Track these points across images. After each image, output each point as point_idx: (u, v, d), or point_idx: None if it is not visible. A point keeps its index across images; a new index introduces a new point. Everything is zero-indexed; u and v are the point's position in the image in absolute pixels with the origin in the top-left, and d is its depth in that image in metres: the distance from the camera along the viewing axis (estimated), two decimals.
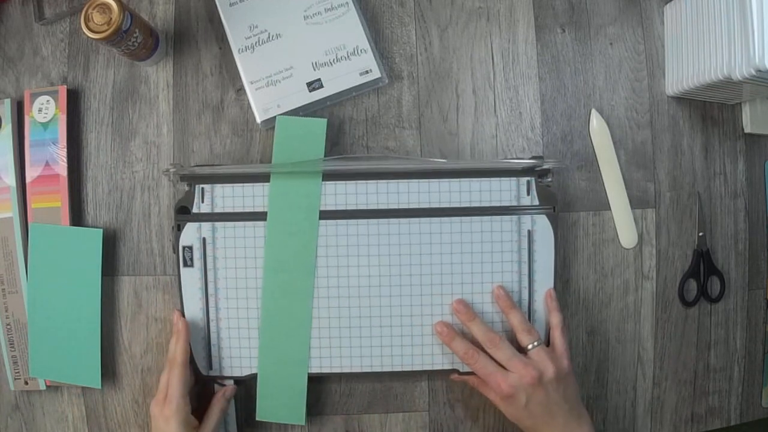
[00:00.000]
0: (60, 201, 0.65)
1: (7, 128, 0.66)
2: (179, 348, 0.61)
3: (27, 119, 0.66)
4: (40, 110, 0.66)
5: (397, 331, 0.65)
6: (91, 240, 0.65)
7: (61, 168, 0.66)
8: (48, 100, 0.66)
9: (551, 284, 0.65)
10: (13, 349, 0.67)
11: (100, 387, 0.66)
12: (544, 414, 0.58)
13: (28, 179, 0.66)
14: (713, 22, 0.60)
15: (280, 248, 0.64)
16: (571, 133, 0.69)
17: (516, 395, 0.58)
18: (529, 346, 0.60)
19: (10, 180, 0.66)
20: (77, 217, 0.67)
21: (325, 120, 0.65)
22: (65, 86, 0.66)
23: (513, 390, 0.57)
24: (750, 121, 0.70)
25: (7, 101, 0.67)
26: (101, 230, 0.65)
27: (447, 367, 0.65)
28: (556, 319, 0.63)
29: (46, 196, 0.65)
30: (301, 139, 0.64)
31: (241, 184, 0.64)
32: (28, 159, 0.66)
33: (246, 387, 0.67)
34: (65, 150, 0.66)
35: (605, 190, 0.69)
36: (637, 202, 0.69)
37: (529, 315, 0.65)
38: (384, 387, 0.68)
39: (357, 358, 0.65)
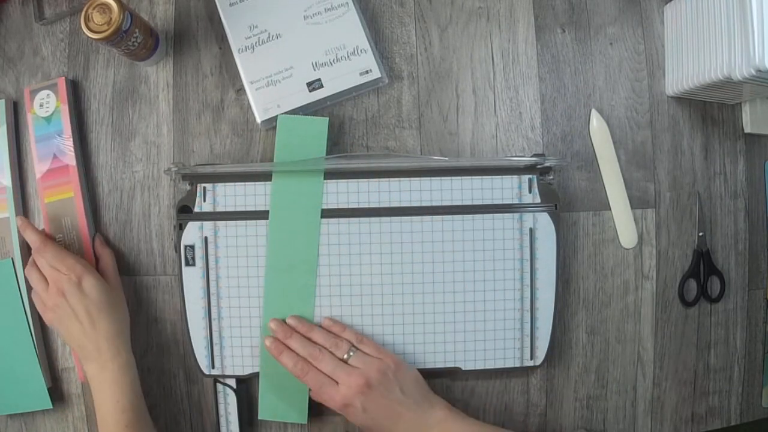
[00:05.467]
0: (72, 191, 0.65)
1: (2, 129, 0.66)
2: (29, 234, 0.61)
3: (29, 116, 0.66)
4: (41, 105, 0.66)
5: (399, 329, 0.65)
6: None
7: (69, 158, 0.66)
8: (48, 94, 0.66)
9: (553, 282, 0.65)
10: None
11: (51, 407, 0.66)
12: (388, 414, 0.58)
13: (37, 174, 0.66)
14: (713, 22, 0.60)
15: (282, 247, 0.64)
16: (571, 133, 0.69)
17: (351, 404, 0.58)
18: (345, 356, 0.60)
19: (6, 180, 0.66)
20: (92, 204, 0.67)
21: (327, 119, 0.65)
22: (63, 77, 0.66)
23: (345, 400, 0.58)
24: (750, 121, 0.70)
25: (2, 102, 0.67)
26: (10, 260, 0.65)
27: (449, 365, 0.66)
28: (348, 334, 0.63)
29: (57, 188, 0.65)
30: (303, 138, 0.64)
31: (243, 183, 0.64)
32: (35, 155, 0.66)
33: (248, 386, 0.67)
34: (71, 140, 0.66)
35: (605, 190, 0.69)
36: (637, 202, 0.70)
37: (532, 312, 0.65)
38: None
39: None
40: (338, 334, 0.62)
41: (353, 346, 0.61)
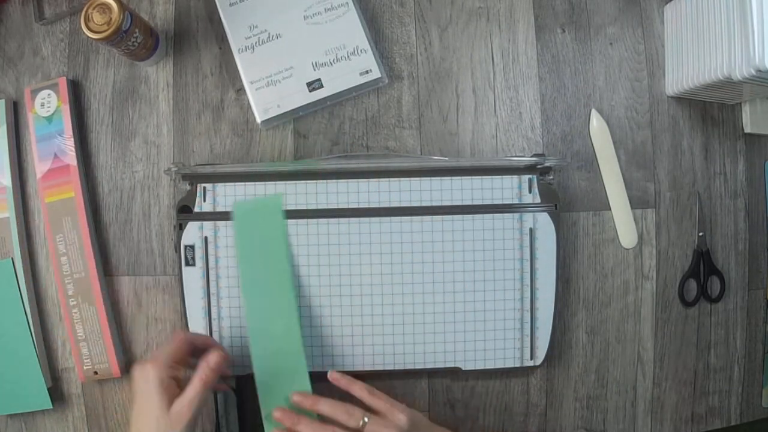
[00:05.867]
0: (73, 191, 0.65)
1: (2, 129, 0.66)
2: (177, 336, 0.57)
3: (30, 116, 0.66)
4: (42, 105, 0.66)
5: (399, 329, 0.65)
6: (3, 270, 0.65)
7: (70, 158, 0.66)
8: (49, 94, 0.66)
9: (553, 282, 0.65)
10: None
11: (51, 407, 0.66)
12: None
13: (38, 174, 0.66)
14: (713, 22, 0.60)
15: (257, 293, 0.64)
16: (571, 133, 0.69)
17: None
18: (360, 424, 0.56)
19: (6, 180, 0.66)
20: (93, 204, 0.67)
21: (281, 195, 0.64)
22: (64, 77, 0.66)
23: None
24: (750, 121, 0.70)
25: (2, 102, 0.67)
26: (10, 260, 0.65)
27: (449, 365, 0.66)
28: (357, 389, 0.60)
29: (58, 188, 0.65)
30: (261, 218, 0.64)
31: (243, 183, 0.64)
32: (36, 155, 0.66)
33: (248, 386, 0.66)
34: (72, 139, 0.66)
35: (605, 190, 0.69)
36: (637, 202, 0.70)
37: (532, 312, 0.65)
38: (384, 387, 0.67)
39: (359, 357, 0.65)
40: (347, 388, 0.60)
41: (365, 410, 0.58)
